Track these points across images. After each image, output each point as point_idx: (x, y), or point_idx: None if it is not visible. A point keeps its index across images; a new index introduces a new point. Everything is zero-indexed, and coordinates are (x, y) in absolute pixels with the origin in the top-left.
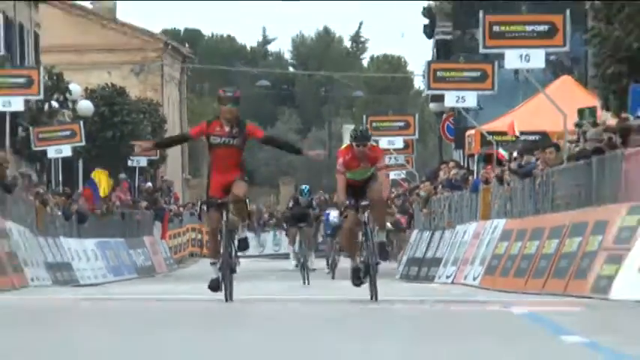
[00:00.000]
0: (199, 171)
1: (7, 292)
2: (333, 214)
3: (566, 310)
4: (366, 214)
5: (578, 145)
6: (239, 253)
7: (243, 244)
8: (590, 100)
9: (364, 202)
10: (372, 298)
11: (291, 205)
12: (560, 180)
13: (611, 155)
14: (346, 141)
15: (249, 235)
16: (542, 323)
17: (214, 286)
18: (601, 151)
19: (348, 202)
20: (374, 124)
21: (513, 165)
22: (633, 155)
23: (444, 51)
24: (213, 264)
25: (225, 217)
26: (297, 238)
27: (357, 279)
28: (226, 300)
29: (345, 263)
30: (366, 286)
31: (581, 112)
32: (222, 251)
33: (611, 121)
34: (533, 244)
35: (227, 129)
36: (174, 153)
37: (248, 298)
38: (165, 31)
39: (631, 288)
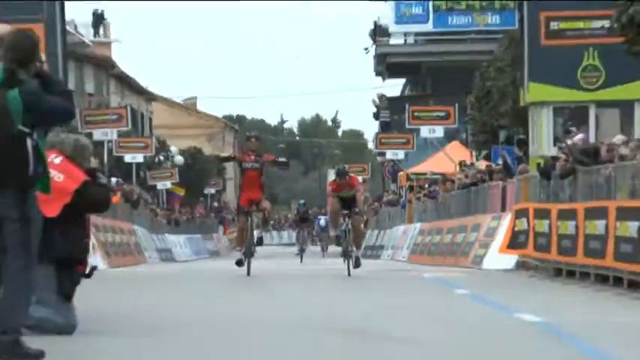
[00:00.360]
0: None
1: (135, 265)
2: (322, 220)
3: (457, 275)
4: (347, 221)
5: (463, 181)
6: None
7: (260, 241)
8: (469, 155)
9: (345, 212)
10: (348, 274)
11: (295, 213)
12: (452, 200)
13: (482, 186)
14: (331, 177)
15: (274, 233)
16: (442, 282)
17: (239, 263)
18: (476, 184)
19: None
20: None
21: (426, 192)
22: (494, 187)
23: (385, 127)
24: (239, 250)
25: (250, 221)
26: (299, 232)
27: (338, 243)
28: (248, 274)
29: (332, 249)
30: (343, 264)
31: (460, 163)
32: (245, 243)
33: (482, 166)
34: (437, 237)
35: (252, 157)
36: (231, 184)
37: (262, 270)
38: (224, 116)
39: (493, 262)
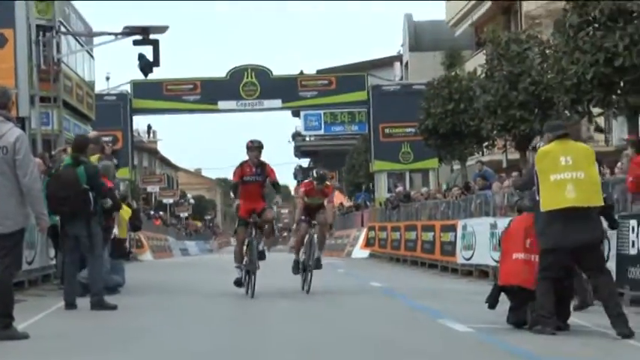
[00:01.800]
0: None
1: (168, 258)
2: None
3: (338, 261)
4: (313, 231)
5: (341, 211)
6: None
7: (262, 255)
8: (344, 198)
9: (314, 222)
10: (306, 291)
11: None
12: (336, 221)
13: (351, 214)
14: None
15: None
16: (331, 266)
17: (238, 283)
18: (348, 212)
19: (303, 218)
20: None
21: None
22: (357, 214)
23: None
24: (237, 267)
25: (253, 233)
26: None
27: (296, 269)
28: (247, 293)
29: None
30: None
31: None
32: (246, 258)
33: (352, 203)
34: (328, 241)
35: (254, 169)
36: (220, 214)
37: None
38: (217, 178)
39: (357, 254)
